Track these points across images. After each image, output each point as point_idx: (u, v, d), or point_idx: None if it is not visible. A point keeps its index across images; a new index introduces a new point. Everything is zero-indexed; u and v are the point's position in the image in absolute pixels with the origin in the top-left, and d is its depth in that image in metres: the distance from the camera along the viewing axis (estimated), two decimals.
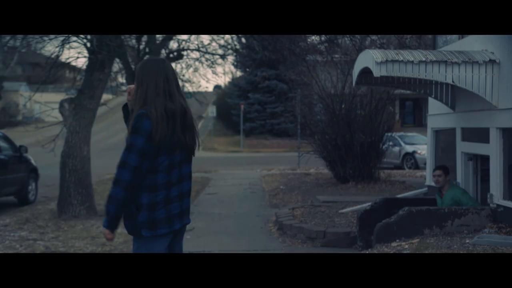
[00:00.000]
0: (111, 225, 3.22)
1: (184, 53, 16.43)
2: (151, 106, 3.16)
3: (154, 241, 3.31)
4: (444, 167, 6.99)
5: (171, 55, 16.40)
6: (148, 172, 3.18)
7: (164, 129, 3.13)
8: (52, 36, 10.12)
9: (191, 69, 17.76)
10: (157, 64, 3.33)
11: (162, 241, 3.31)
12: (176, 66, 17.39)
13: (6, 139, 11.63)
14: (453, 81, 6.31)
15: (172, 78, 3.31)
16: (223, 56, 17.07)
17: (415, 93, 9.24)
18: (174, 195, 3.28)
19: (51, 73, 10.70)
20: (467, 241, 5.69)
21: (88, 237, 7.76)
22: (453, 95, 7.56)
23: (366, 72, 6.93)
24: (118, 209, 3.19)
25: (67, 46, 10.18)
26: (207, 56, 16.79)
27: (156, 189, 3.21)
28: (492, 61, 6.28)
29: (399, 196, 9.74)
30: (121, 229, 8.88)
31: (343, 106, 12.73)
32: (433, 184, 8.65)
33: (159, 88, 3.21)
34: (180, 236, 3.51)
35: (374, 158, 12.74)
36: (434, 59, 6.25)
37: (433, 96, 7.69)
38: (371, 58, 6.34)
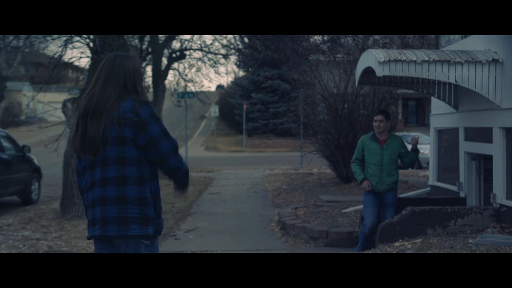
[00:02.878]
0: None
1: (187, 52, 16.47)
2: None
3: (156, 240, 3.25)
4: (386, 112, 6.63)
5: (173, 55, 16.44)
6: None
7: None
8: (55, 36, 10.14)
9: (193, 69, 17.83)
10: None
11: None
12: (179, 66, 17.44)
13: (9, 138, 11.65)
14: (456, 81, 6.30)
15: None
16: (225, 56, 17.09)
17: (418, 93, 9.23)
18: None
19: (54, 73, 10.72)
20: (470, 241, 5.69)
21: None
22: (456, 95, 7.55)
23: (368, 72, 6.93)
24: None
25: (70, 46, 10.21)
26: (209, 55, 16.83)
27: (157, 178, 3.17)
28: (495, 61, 6.27)
29: (401, 196, 9.73)
30: None
31: (345, 105, 12.71)
32: (436, 183, 8.65)
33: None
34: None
35: None
36: (437, 58, 6.24)
37: (436, 95, 7.68)
38: (374, 57, 6.33)
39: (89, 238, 3.16)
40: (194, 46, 16.37)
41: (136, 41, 15.89)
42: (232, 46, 17.39)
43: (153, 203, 3.08)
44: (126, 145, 2.98)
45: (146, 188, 3.03)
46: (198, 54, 20.94)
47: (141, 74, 3.20)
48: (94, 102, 3.02)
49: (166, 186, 13.88)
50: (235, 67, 42.00)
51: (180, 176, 3.10)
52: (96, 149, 3.00)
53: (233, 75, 46.49)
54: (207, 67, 17.61)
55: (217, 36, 16.19)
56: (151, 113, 3.00)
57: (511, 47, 6.16)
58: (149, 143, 3.00)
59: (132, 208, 3.00)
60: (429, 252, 5.35)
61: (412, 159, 6.61)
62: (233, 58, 21.33)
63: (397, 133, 15.80)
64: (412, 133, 22.25)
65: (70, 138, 3.11)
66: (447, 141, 8.45)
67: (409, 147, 6.64)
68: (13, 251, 6.95)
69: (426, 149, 17.67)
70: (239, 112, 35.40)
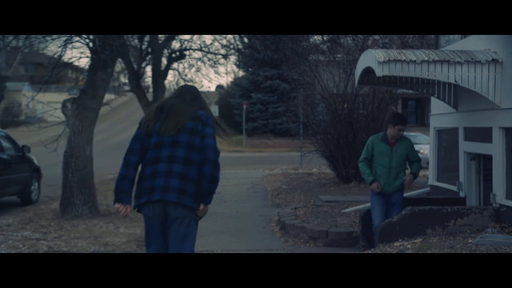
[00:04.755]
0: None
1: (187, 53, 16.44)
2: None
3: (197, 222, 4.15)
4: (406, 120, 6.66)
5: (173, 55, 16.40)
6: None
7: None
8: (54, 36, 10.12)
9: (193, 69, 17.81)
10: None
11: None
12: (179, 66, 17.41)
13: (9, 139, 11.65)
14: (455, 81, 6.30)
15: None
16: (225, 56, 17.07)
17: (417, 93, 9.24)
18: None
19: (53, 73, 10.71)
20: (470, 241, 5.69)
21: (91, 236, 7.77)
22: (456, 95, 7.55)
23: (368, 72, 6.93)
24: None
25: (70, 46, 10.19)
26: (209, 56, 16.80)
27: None
28: (495, 61, 6.27)
29: None
30: (123, 229, 8.78)
31: (345, 105, 12.72)
32: (436, 183, 8.65)
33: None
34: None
35: None
36: (437, 58, 6.24)
37: (435, 95, 7.68)
38: (374, 57, 6.33)
39: (142, 203, 3.88)
40: (194, 46, 16.34)
41: (136, 41, 15.87)
42: (231, 46, 17.37)
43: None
44: (196, 135, 3.95)
45: (200, 171, 3.87)
46: (197, 54, 20.91)
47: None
48: (177, 104, 4.10)
49: None
50: (234, 67, 42.01)
51: (215, 174, 3.96)
52: (170, 133, 3.93)
53: (232, 75, 46.49)
54: (207, 67, 17.62)
55: (217, 36, 16.17)
56: (212, 121, 4.11)
57: (511, 47, 6.17)
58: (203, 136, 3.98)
59: (191, 185, 3.85)
60: (429, 252, 5.35)
61: (418, 168, 6.64)
62: (232, 58, 21.29)
63: None
64: (412, 133, 22.23)
65: (141, 122, 4.08)
66: (447, 141, 8.45)
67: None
68: (13, 251, 6.95)
69: (426, 149, 17.67)
70: (238, 112, 35.38)
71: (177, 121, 3.97)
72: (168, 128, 3.95)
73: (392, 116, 6.69)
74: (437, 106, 8.54)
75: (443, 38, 8.45)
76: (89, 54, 10.01)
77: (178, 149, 3.89)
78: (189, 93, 4.26)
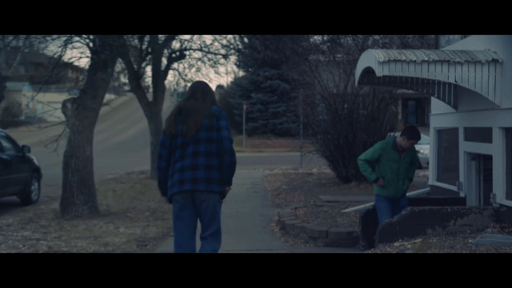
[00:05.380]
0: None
1: (187, 53, 16.46)
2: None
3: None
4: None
5: (173, 55, 16.43)
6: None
7: None
8: (54, 36, 10.13)
9: (193, 69, 17.83)
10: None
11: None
12: (179, 66, 17.44)
13: (9, 139, 11.65)
14: (455, 81, 6.30)
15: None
16: (225, 56, 17.09)
17: (417, 93, 9.24)
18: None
19: (53, 73, 10.71)
20: (470, 241, 5.69)
21: (90, 237, 7.77)
22: (456, 95, 7.55)
23: (368, 72, 6.93)
24: None
25: (70, 46, 10.20)
26: (209, 56, 16.83)
27: None
28: (495, 61, 6.27)
29: None
30: (123, 229, 8.78)
31: (345, 105, 12.72)
32: (436, 183, 8.65)
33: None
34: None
35: None
36: (437, 58, 6.24)
37: (435, 95, 7.68)
38: (374, 57, 6.33)
39: (174, 193, 4.65)
40: (194, 46, 16.37)
41: (136, 41, 15.88)
42: (232, 46, 17.39)
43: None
44: (212, 130, 4.65)
45: (219, 159, 4.63)
46: (198, 54, 20.96)
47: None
48: (192, 105, 4.75)
49: None
50: (234, 67, 42.01)
51: (233, 161, 4.73)
52: (191, 133, 4.64)
53: (232, 75, 46.50)
54: (207, 67, 17.66)
55: (217, 36, 16.19)
56: (225, 115, 4.79)
57: (510, 47, 6.16)
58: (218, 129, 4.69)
59: (214, 173, 4.63)
60: (429, 252, 5.35)
61: (413, 173, 6.72)
62: (232, 58, 21.33)
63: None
64: None
65: (164, 129, 4.82)
66: (447, 141, 8.45)
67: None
68: (13, 251, 6.95)
69: (426, 149, 17.67)
70: (238, 112, 35.37)
71: (194, 121, 4.66)
72: (188, 129, 4.66)
73: (408, 130, 6.64)
74: (437, 106, 8.54)
75: (443, 38, 8.45)
76: (89, 54, 10.01)
77: (199, 145, 4.63)
78: (199, 91, 4.88)
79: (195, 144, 4.65)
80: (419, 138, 6.56)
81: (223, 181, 4.69)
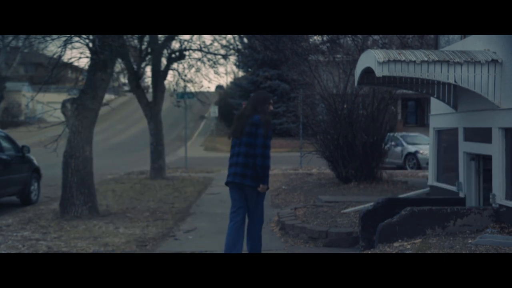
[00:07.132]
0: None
1: (186, 53, 16.46)
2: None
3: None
4: None
5: (173, 55, 16.43)
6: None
7: None
8: (54, 36, 10.12)
9: (193, 69, 17.82)
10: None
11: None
12: (178, 66, 17.44)
13: (9, 139, 11.65)
14: (455, 81, 6.31)
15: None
16: (225, 56, 17.09)
17: (417, 93, 9.24)
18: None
19: (53, 73, 10.71)
20: (470, 241, 5.69)
21: (90, 237, 7.77)
22: (456, 95, 7.55)
23: (368, 72, 6.93)
24: None
25: (70, 46, 10.19)
26: (209, 56, 16.83)
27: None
28: (494, 61, 6.27)
29: (401, 196, 9.73)
30: (123, 230, 8.76)
31: (345, 106, 12.72)
32: (435, 184, 8.65)
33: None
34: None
35: (376, 158, 12.73)
36: (436, 59, 6.24)
37: (435, 96, 7.68)
38: (373, 58, 6.33)
39: (227, 183, 5.92)
40: (194, 47, 16.37)
41: (136, 41, 15.89)
42: (231, 47, 17.40)
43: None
44: (251, 136, 5.70)
45: (253, 161, 5.69)
46: (197, 55, 20.92)
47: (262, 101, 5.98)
48: (241, 113, 5.94)
49: (166, 186, 13.90)
50: (234, 68, 42.08)
51: (267, 164, 5.78)
52: (238, 136, 5.80)
53: (232, 76, 46.57)
54: (207, 67, 17.61)
55: (217, 37, 16.19)
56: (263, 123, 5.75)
57: (510, 47, 6.17)
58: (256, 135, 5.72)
59: (250, 171, 5.72)
60: (429, 252, 5.35)
61: None
62: (232, 58, 21.34)
63: (396, 134, 15.81)
64: (412, 133, 22.25)
65: (231, 130, 5.98)
66: (446, 141, 8.45)
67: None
68: (13, 252, 6.95)
69: (426, 149, 17.68)
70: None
71: (240, 127, 5.81)
72: (236, 133, 5.83)
73: None
74: (436, 106, 8.54)
75: (443, 39, 8.46)
76: (88, 54, 10.00)
77: (242, 147, 5.75)
78: (253, 101, 5.99)
79: (239, 146, 5.78)
80: None
81: (257, 178, 5.71)
